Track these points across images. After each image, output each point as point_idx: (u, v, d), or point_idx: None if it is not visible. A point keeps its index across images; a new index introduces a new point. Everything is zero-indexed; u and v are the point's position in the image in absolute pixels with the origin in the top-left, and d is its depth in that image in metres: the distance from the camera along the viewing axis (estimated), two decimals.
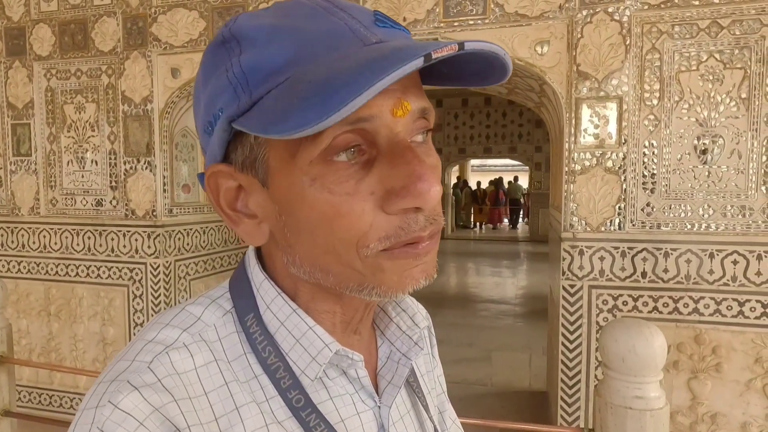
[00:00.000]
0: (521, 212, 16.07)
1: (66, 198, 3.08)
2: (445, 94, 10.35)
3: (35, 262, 3.15)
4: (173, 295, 2.98)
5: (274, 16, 0.40)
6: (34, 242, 3.14)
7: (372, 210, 0.38)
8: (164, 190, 2.93)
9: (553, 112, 2.67)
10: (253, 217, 0.43)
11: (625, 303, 2.29)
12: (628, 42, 2.22)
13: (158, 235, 2.91)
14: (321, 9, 0.40)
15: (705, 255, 2.20)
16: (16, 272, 3.19)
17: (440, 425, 0.61)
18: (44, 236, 3.12)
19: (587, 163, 2.30)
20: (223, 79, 0.39)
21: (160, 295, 2.95)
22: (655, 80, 2.21)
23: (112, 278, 3.02)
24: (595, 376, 2.34)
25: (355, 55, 0.36)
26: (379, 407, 0.47)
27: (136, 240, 2.95)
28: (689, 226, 2.22)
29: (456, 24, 2.42)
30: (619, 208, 2.28)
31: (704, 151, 2.19)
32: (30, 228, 3.14)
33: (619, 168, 2.27)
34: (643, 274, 2.26)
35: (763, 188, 2.14)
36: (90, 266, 3.05)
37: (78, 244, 3.06)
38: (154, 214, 2.91)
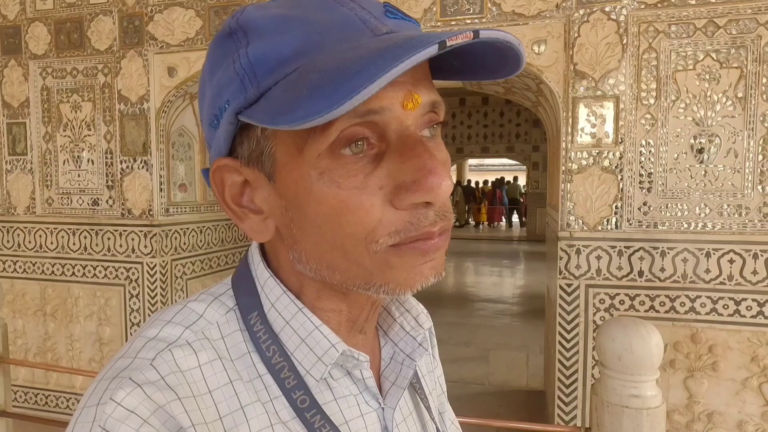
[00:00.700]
0: (514, 211, 16.24)
1: (62, 197, 3.07)
2: (443, 93, 10.24)
3: (31, 262, 3.14)
4: (170, 295, 2.97)
5: (282, 7, 0.39)
6: (29, 242, 3.13)
7: (381, 205, 0.38)
8: (161, 190, 2.92)
9: (550, 112, 2.67)
10: (258, 212, 0.43)
11: (621, 302, 2.30)
12: (624, 41, 2.22)
13: (155, 234, 2.90)
14: (330, 0, 0.39)
15: (701, 254, 2.20)
16: (12, 272, 3.18)
17: (440, 426, 0.60)
18: (40, 236, 3.10)
19: (584, 162, 2.30)
20: (230, 70, 0.38)
21: (156, 294, 2.94)
22: (651, 79, 2.21)
23: (109, 278, 3.01)
24: (592, 375, 2.35)
25: (367, 45, 0.35)
26: (383, 409, 0.47)
27: (133, 239, 2.94)
28: (686, 225, 2.22)
29: (453, 23, 2.42)
30: (616, 207, 2.28)
31: (701, 151, 2.20)
32: (26, 227, 3.13)
33: (616, 167, 2.27)
34: (640, 273, 2.26)
35: (759, 187, 2.15)
36: (86, 266, 3.04)
37: (74, 244, 3.05)
38: (151, 213, 2.90)
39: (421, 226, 0.38)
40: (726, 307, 2.19)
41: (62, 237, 3.07)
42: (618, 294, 2.30)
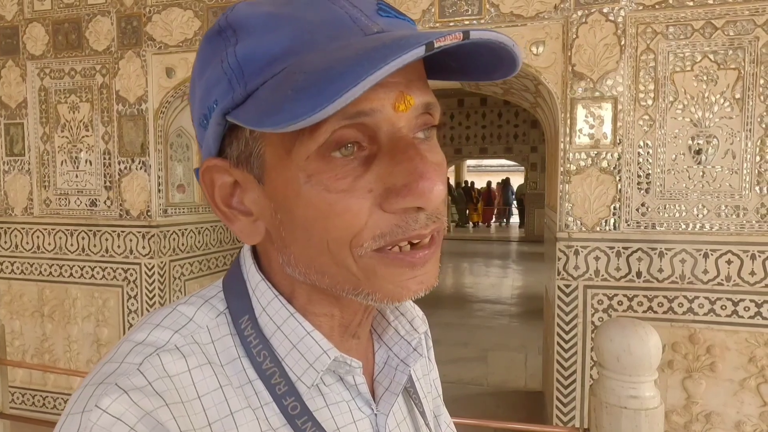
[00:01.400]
0: (508, 211, 16.58)
1: (60, 198, 3.06)
2: (441, 94, 10.33)
3: (28, 263, 3.13)
4: (168, 296, 2.97)
5: (273, 5, 0.38)
6: (27, 243, 3.12)
7: (369, 208, 0.37)
8: (159, 191, 2.92)
9: (548, 113, 2.67)
10: (248, 214, 0.42)
11: (620, 303, 2.30)
12: (623, 42, 2.23)
13: (153, 235, 2.90)
14: None
15: (699, 255, 2.21)
16: (9, 273, 3.17)
17: (435, 430, 0.59)
18: (38, 236, 3.10)
19: (582, 163, 2.31)
20: (218, 69, 0.38)
21: (154, 295, 2.93)
22: (649, 81, 2.22)
23: (107, 279, 3.00)
24: (591, 376, 2.35)
25: (355, 45, 0.34)
26: (376, 415, 0.46)
27: (131, 240, 2.94)
28: (684, 226, 2.23)
29: (452, 24, 2.43)
30: (614, 208, 2.28)
31: (698, 152, 2.20)
32: (23, 228, 3.12)
33: (614, 168, 2.28)
34: (638, 274, 2.27)
35: (756, 188, 2.16)
36: (84, 267, 3.04)
37: (72, 245, 3.04)
38: (149, 214, 2.90)
39: (410, 229, 0.37)
40: (724, 307, 2.19)
41: (60, 238, 3.06)
42: (616, 295, 2.30)
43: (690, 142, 2.20)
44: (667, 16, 2.19)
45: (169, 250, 2.98)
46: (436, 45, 0.32)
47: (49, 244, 3.08)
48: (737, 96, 2.14)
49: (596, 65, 2.26)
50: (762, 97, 2.12)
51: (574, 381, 2.38)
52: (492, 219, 16.76)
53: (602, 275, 2.30)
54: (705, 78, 2.17)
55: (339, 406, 0.44)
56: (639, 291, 2.28)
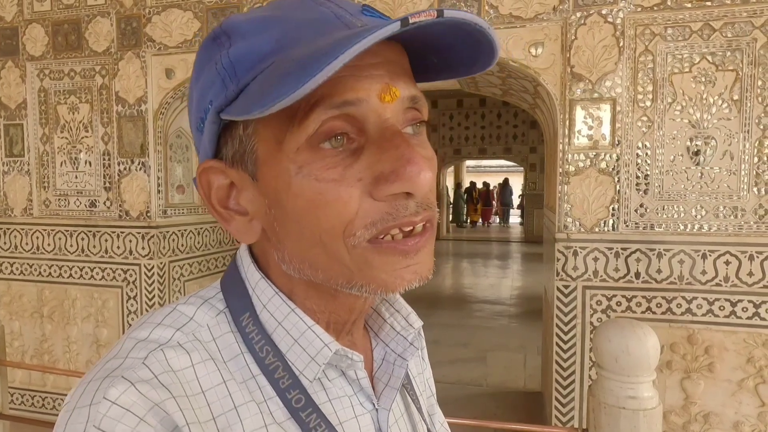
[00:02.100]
0: (507, 211, 16.76)
1: (59, 199, 3.06)
2: (440, 94, 10.37)
3: (28, 264, 3.13)
4: (167, 297, 2.97)
5: (264, 10, 0.41)
6: (26, 243, 3.12)
7: (359, 196, 0.37)
8: (158, 191, 2.92)
9: (547, 114, 2.68)
10: (244, 214, 0.43)
11: (618, 303, 2.30)
12: (621, 44, 2.24)
13: (152, 236, 2.90)
14: (310, 1, 0.40)
15: (698, 255, 2.21)
16: (9, 273, 3.17)
17: (431, 427, 0.60)
18: (37, 237, 3.10)
19: (581, 164, 2.31)
20: (212, 72, 0.39)
21: (154, 296, 2.93)
22: (648, 82, 2.23)
23: (106, 279, 3.00)
24: (589, 377, 2.35)
25: (338, 34, 0.36)
26: (377, 410, 0.46)
27: (130, 241, 2.94)
28: (682, 227, 2.23)
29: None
30: (613, 209, 2.29)
31: (697, 153, 2.21)
32: (23, 229, 3.12)
33: (613, 169, 2.28)
34: (637, 275, 2.27)
35: (754, 189, 2.16)
36: (83, 267, 3.04)
37: (71, 246, 3.04)
38: (148, 215, 2.90)
39: (399, 216, 0.38)
40: (722, 308, 2.20)
41: (59, 239, 3.06)
42: (615, 295, 2.31)
43: (688, 143, 2.21)
44: (665, 17, 2.19)
45: (168, 251, 2.98)
46: (411, 21, 0.33)
47: (49, 244, 3.08)
48: (735, 97, 2.15)
49: (595, 66, 2.27)
50: (760, 99, 2.13)
51: (573, 381, 2.38)
52: (490, 219, 16.93)
53: (601, 276, 2.31)
54: (703, 79, 2.18)
55: (341, 400, 0.44)
56: (637, 292, 2.28)
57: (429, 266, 0.41)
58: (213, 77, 0.39)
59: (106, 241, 2.98)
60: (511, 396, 3.58)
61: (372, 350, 0.51)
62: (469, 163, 17.31)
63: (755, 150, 2.15)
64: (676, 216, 2.24)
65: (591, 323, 2.33)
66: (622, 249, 2.28)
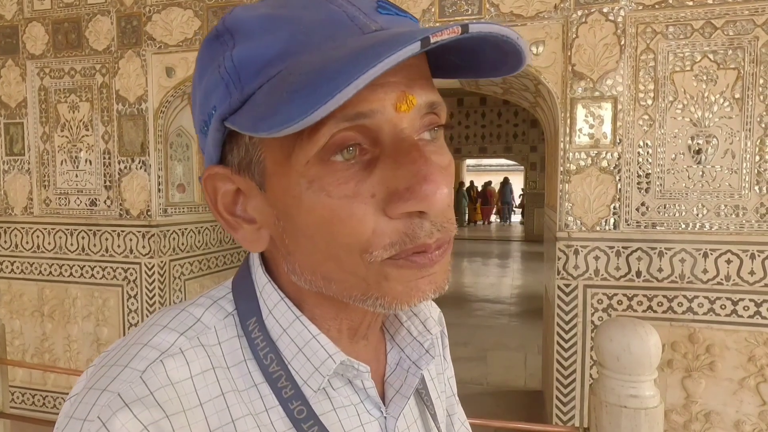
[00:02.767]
0: (508, 210, 16.82)
1: (59, 198, 3.06)
2: (440, 93, 10.35)
3: (28, 262, 3.13)
4: (168, 296, 2.97)
5: (270, 6, 0.38)
6: (27, 242, 3.12)
7: (373, 214, 0.36)
8: (159, 190, 2.92)
9: (548, 112, 2.68)
10: (252, 222, 0.41)
11: (619, 302, 2.30)
12: (622, 42, 2.23)
13: (153, 235, 2.90)
14: None
15: (699, 254, 2.21)
16: (9, 272, 3.17)
17: (448, 429, 0.59)
18: (37, 236, 3.10)
19: (582, 163, 2.31)
20: (215, 74, 0.37)
21: (154, 295, 2.93)
22: (649, 80, 2.22)
23: (107, 278, 3.00)
24: (590, 375, 2.35)
25: (351, 44, 0.33)
26: (386, 418, 0.45)
27: (131, 240, 2.94)
28: (683, 226, 2.23)
29: (452, 23, 2.42)
30: (614, 207, 2.29)
31: (698, 151, 2.21)
32: (23, 228, 3.12)
33: (614, 168, 2.28)
34: (638, 274, 2.27)
35: (756, 188, 2.16)
36: (84, 266, 3.04)
37: (72, 244, 3.04)
38: (149, 213, 2.90)
39: (416, 237, 0.36)
40: (723, 307, 2.20)
41: (60, 237, 3.06)
42: (616, 294, 2.30)
43: (690, 141, 2.21)
44: (666, 15, 2.19)
45: (169, 250, 2.98)
46: (432, 40, 0.31)
47: (49, 243, 3.08)
48: (737, 96, 2.15)
49: (596, 65, 2.26)
50: (761, 97, 2.13)
51: (574, 380, 2.38)
52: (490, 217, 17.00)
53: (602, 275, 2.31)
54: (705, 78, 2.17)
55: (347, 409, 0.43)
56: (639, 290, 2.28)
57: (445, 277, 0.40)
58: (216, 80, 0.37)
59: (107, 239, 2.98)
60: (511, 395, 3.57)
61: (386, 354, 0.49)
62: (469, 162, 17.32)
63: (757, 148, 2.15)
64: (677, 215, 2.23)
65: (592, 322, 2.33)
66: (623, 248, 2.28)
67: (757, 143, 2.14)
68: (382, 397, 0.47)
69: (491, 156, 11.96)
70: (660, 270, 2.25)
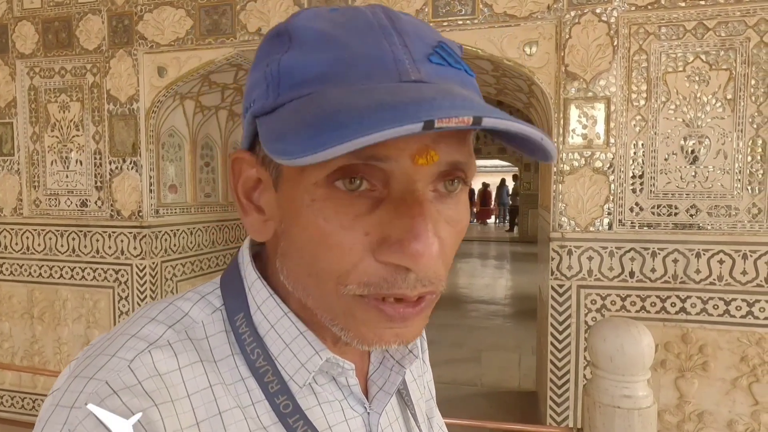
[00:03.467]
0: (505, 211, 16.89)
1: (50, 198, 3.03)
2: None
3: (18, 264, 3.09)
4: (159, 297, 2.94)
5: (331, 23, 0.38)
6: (16, 243, 3.08)
7: (361, 251, 0.36)
8: (150, 191, 2.89)
9: (541, 113, 2.68)
10: (262, 212, 0.43)
11: (613, 302, 2.30)
12: (615, 43, 2.23)
13: (144, 236, 2.87)
14: (377, 28, 0.37)
15: (692, 255, 2.22)
16: None
17: (428, 431, 0.60)
18: (27, 237, 3.06)
19: (576, 164, 2.31)
20: (262, 72, 0.39)
21: (146, 297, 2.91)
22: (642, 81, 2.23)
23: (97, 280, 2.97)
24: (584, 376, 2.35)
25: (379, 91, 0.33)
26: (369, 414, 0.46)
27: (122, 241, 2.91)
28: (676, 226, 2.23)
29: (445, 24, 2.42)
30: (608, 208, 2.29)
31: (691, 152, 2.21)
32: (12, 229, 3.08)
33: (608, 168, 2.28)
34: (631, 274, 2.27)
35: (748, 188, 2.17)
36: (74, 268, 3.00)
37: (62, 246, 3.01)
38: (140, 214, 2.87)
39: (396, 286, 0.36)
40: (716, 307, 2.20)
41: (50, 239, 3.03)
42: (609, 294, 2.30)
43: (682, 142, 2.21)
44: (659, 16, 2.19)
45: (160, 251, 2.96)
46: (437, 125, 0.29)
47: (39, 245, 3.05)
48: (729, 96, 2.15)
49: (589, 65, 2.26)
50: (753, 98, 2.13)
51: (568, 381, 2.38)
52: (488, 219, 17.10)
53: (595, 275, 2.31)
54: (697, 78, 2.18)
55: (331, 404, 0.44)
56: (632, 291, 2.28)
57: (415, 332, 0.39)
58: (260, 78, 0.39)
59: (98, 241, 2.95)
60: (505, 396, 3.57)
61: (370, 352, 0.50)
62: None
63: (749, 149, 2.16)
64: (670, 215, 2.24)
65: (585, 322, 2.33)
66: (616, 248, 2.28)
67: (749, 144, 2.15)
68: (366, 393, 0.48)
69: (486, 157, 11.97)
70: (653, 270, 2.25)
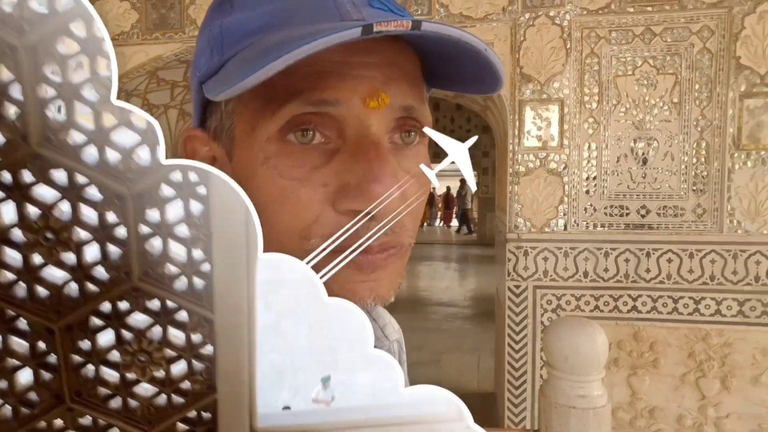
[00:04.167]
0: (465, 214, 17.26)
1: None
2: None
3: None
4: None
5: None
6: None
7: (320, 203, 0.35)
8: None
9: (498, 115, 2.69)
10: None
11: (568, 302, 2.33)
12: (568, 46, 2.27)
13: None
14: None
15: (642, 254, 2.27)
16: None
17: None
18: None
19: (531, 165, 2.33)
20: (205, 39, 0.39)
21: None
22: (594, 84, 2.27)
23: None
24: (541, 376, 2.36)
25: (317, 27, 0.33)
26: None
27: None
28: (627, 227, 2.28)
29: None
30: (562, 209, 2.31)
31: (641, 154, 2.27)
32: None
33: (563, 169, 2.31)
34: (585, 274, 2.30)
35: (693, 189, 2.24)
36: None
37: None
38: None
39: (357, 235, 0.34)
40: (665, 305, 2.26)
41: None
42: (564, 294, 2.33)
43: (632, 144, 2.27)
44: (609, 21, 2.24)
45: None
46: (375, 29, 0.29)
47: None
48: (675, 100, 2.22)
49: (543, 67, 2.29)
50: (697, 102, 2.21)
51: (525, 382, 2.39)
52: (451, 221, 17.34)
53: (551, 275, 2.33)
54: (645, 82, 2.24)
55: None
56: (586, 291, 2.31)
57: (388, 287, 0.37)
58: (204, 45, 0.39)
59: None
60: (465, 398, 3.47)
61: None
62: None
63: (694, 151, 2.23)
64: (621, 215, 2.29)
65: (542, 323, 2.35)
66: (570, 248, 2.31)
67: (694, 146, 2.23)
68: None
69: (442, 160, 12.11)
70: (606, 270, 2.29)
